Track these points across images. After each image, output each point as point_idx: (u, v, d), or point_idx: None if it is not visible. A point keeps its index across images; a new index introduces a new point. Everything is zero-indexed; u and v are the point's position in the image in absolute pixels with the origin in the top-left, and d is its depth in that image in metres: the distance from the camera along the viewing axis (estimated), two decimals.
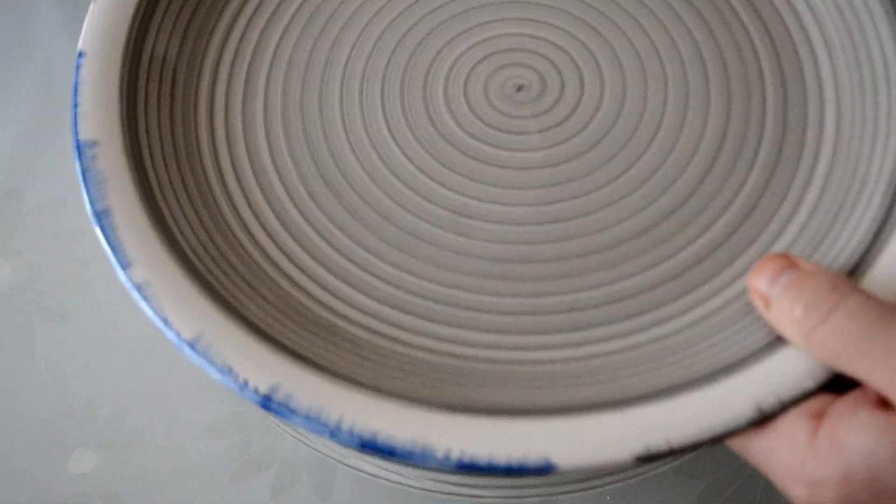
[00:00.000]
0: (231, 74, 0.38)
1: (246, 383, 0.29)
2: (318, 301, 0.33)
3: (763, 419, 0.28)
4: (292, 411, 0.29)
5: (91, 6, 0.37)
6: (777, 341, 0.30)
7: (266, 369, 0.30)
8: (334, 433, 0.28)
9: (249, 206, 0.35)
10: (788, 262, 0.30)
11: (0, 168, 0.50)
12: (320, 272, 0.34)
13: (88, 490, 0.42)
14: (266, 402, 0.29)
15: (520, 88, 0.38)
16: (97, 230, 0.32)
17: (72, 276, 0.48)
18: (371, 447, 0.28)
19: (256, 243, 0.35)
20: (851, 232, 0.33)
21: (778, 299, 0.29)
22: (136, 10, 0.37)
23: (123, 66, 0.36)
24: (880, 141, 0.34)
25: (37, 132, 0.52)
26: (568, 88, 0.38)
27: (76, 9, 0.55)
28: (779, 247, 0.34)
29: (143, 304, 0.31)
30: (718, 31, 0.38)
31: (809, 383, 0.28)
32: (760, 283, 0.30)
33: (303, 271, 0.34)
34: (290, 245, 0.35)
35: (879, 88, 0.35)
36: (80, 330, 0.46)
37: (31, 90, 0.53)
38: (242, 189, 0.36)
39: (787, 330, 0.29)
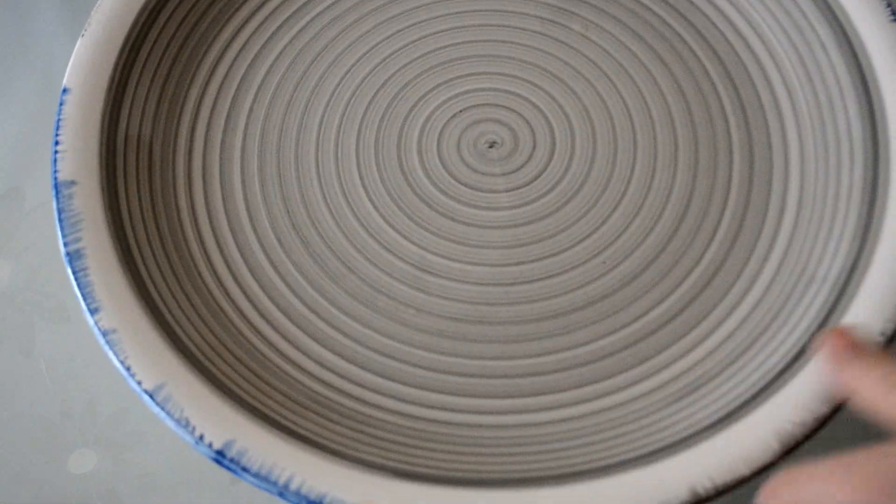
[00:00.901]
0: (212, 114, 0.39)
1: (202, 437, 0.30)
2: (278, 351, 0.34)
3: (698, 502, 0.29)
4: (244, 468, 0.30)
5: (78, 41, 0.37)
6: (718, 423, 0.31)
7: (222, 425, 0.31)
8: (283, 492, 0.30)
9: (220, 249, 0.36)
10: None
11: (0, 168, 0.50)
12: (284, 322, 0.35)
13: (89, 490, 0.42)
14: (219, 458, 0.30)
15: (492, 145, 0.38)
16: (69, 271, 0.33)
17: None
18: None
19: (224, 289, 0.36)
20: (801, 315, 0.34)
21: None
22: (123, 47, 0.38)
23: (106, 105, 0.37)
24: (836, 229, 0.35)
25: (37, 132, 0.51)
26: (539, 148, 0.38)
27: (76, 8, 0.55)
28: (730, 323, 0.35)
29: (107, 351, 0.32)
30: (692, 100, 0.39)
31: (744, 470, 0.30)
32: None
33: (267, 321, 0.35)
34: (257, 293, 0.36)
35: (843, 171, 0.36)
36: (81, 330, 0.45)
37: (31, 90, 0.52)
38: (214, 232, 0.37)
39: None
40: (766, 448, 0.30)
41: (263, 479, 0.30)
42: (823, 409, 0.30)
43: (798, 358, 0.32)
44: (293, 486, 0.30)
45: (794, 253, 0.36)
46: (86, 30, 0.38)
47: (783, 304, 0.35)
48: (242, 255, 0.36)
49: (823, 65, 0.38)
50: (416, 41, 0.40)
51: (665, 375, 0.34)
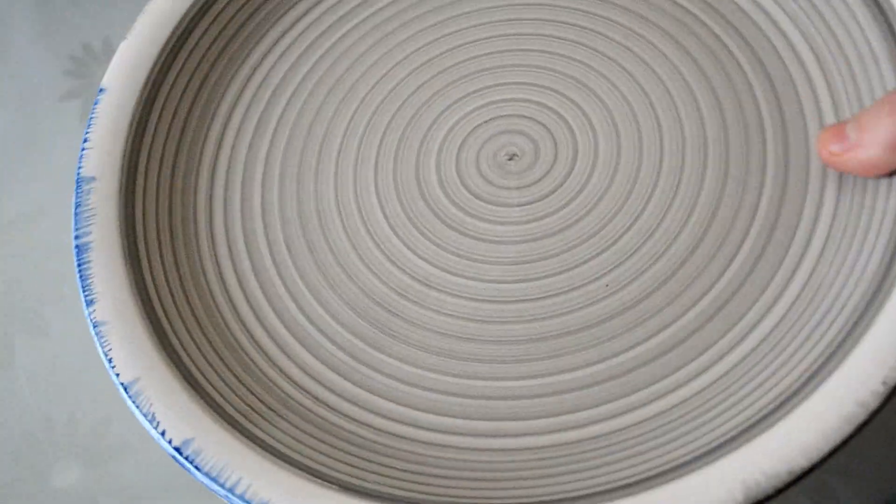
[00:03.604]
0: (240, 128, 0.40)
1: (164, 433, 0.31)
2: (264, 353, 0.35)
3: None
4: (197, 467, 0.30)
5: (121, 44, 0.39)
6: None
7: (185, 422, 0.31)
8: (229, 495, 0.30)
9: (229, 249, 0.37)
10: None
11: None
12: (275, 323, 0.35)
13: (71, 503, 0.42)
14: (176, 455, 0.31)
15: (512, 157, 0.37)
16: (75, 263, 0.35)
17: (51, 290, 0.48)
18: None
19: (226, 291, 0.36)
20: (824, 331, 0.31)
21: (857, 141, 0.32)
22: (160, 53, 0.39)
23: (136, 108, 0.38)
24: (867, 247, 0.32)
25: (12, 146, 0.52)
26: (559, 163, 0.37)
27: (51, 20, 0.56)
28: (756, 335, 0.32)
29: (95, 340, 0.33)
30: (728, 110, 0.36)
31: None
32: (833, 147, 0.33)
33: (259, 321, 0.35)
34: (254, 289, 0.36)
35: (880, 191, 0.33)
36: (61, 342, 0.46)
37: (5, 105, 0.53)
38: (227, 234, 0.37)
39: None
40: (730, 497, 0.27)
41: (213, 480, 0.30)
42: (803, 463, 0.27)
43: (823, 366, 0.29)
44: (238, 490, 0.30)
45: (819, 273, 0.33)
46: (129, 33, 0.39)
47: (793, 338, 0.31)
48: (251, 258, 0.37)
49: (874, 78, 0.34)
50: (449, 50, 0.40)
51: (653, 408, 0.32)
